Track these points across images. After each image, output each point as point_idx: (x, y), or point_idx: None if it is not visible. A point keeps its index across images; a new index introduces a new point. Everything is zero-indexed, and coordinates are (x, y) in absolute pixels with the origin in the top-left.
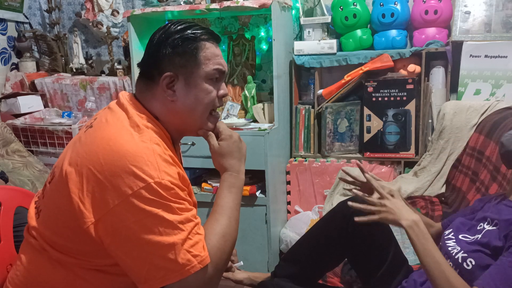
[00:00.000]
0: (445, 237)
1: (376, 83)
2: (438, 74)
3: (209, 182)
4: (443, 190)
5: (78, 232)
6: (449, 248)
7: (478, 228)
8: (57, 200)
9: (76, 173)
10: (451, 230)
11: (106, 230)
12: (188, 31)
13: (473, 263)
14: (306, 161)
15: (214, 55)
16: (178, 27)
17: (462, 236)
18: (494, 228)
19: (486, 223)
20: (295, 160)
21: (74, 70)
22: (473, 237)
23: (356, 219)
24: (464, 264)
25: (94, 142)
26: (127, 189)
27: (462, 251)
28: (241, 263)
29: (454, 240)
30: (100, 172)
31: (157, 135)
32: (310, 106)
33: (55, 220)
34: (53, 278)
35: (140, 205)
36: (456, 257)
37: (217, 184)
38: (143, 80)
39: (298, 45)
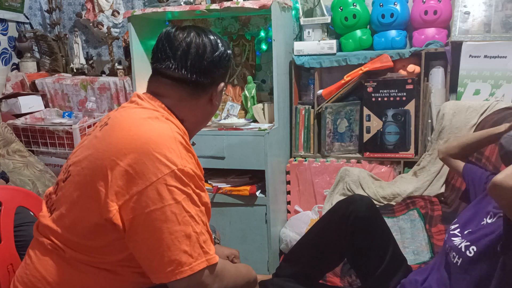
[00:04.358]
0: (451, 232)
1: (375, 83)
2: (437, 74)
3: (209, 182)
4: (442, 190)
5: (97, 226)
6: (454, 243)
7: (482, 223)
8: (76, 197)
9: (99, 167)
10: (457, 225)
11: (127, 215)
12: (225, 44)
13: (475, 250)
14: (306, 161)
15: None
16: (219, 42)
17: (467, 232)
18: (496, 219)
19: (488, 217)
20: (295, 160)
21: (75, 70)
22: (476, 229)
23: None
24: (467, 252)
25: (113, 135)
26: (152, 176)
27: (465, 241)
28: None
29: (460, 237)
30: (123, 161)
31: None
32: (310, 106)
33: (72, 217)
34: (62, 277)
35: (163, 192)
36: (459, 246)
37: (217, 184)
38: (185, 87)
39: (298, 46)
